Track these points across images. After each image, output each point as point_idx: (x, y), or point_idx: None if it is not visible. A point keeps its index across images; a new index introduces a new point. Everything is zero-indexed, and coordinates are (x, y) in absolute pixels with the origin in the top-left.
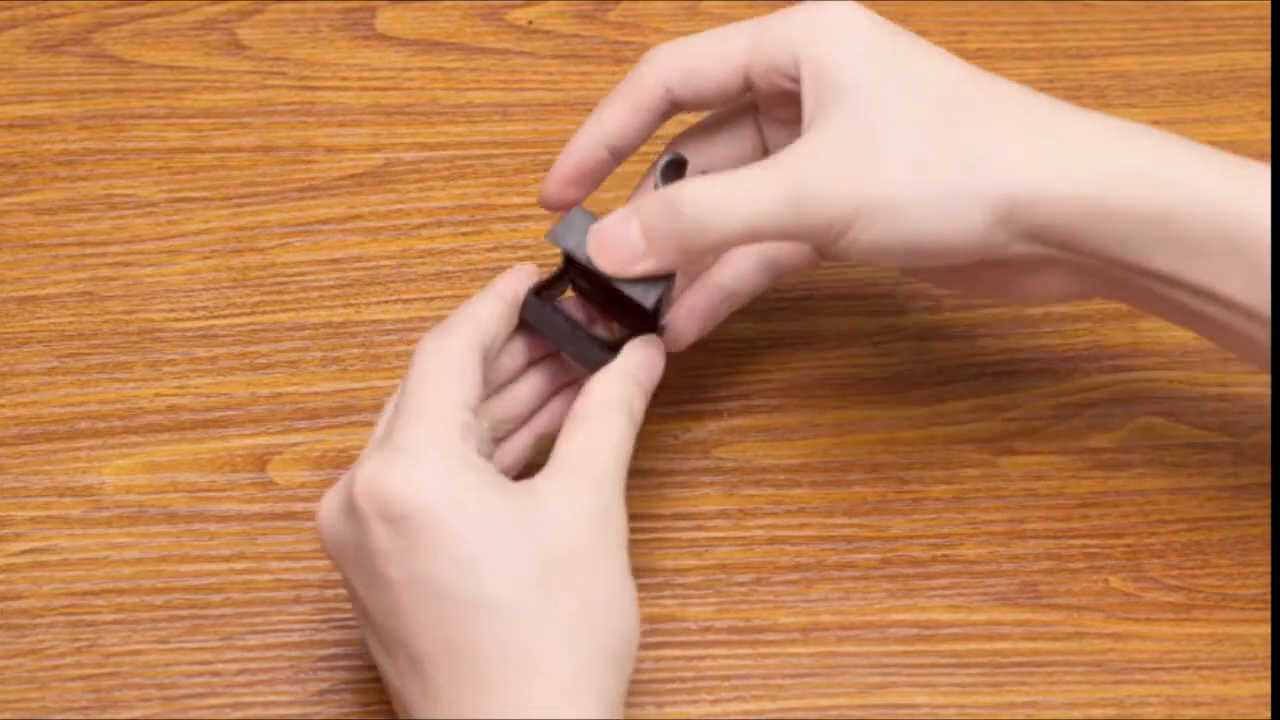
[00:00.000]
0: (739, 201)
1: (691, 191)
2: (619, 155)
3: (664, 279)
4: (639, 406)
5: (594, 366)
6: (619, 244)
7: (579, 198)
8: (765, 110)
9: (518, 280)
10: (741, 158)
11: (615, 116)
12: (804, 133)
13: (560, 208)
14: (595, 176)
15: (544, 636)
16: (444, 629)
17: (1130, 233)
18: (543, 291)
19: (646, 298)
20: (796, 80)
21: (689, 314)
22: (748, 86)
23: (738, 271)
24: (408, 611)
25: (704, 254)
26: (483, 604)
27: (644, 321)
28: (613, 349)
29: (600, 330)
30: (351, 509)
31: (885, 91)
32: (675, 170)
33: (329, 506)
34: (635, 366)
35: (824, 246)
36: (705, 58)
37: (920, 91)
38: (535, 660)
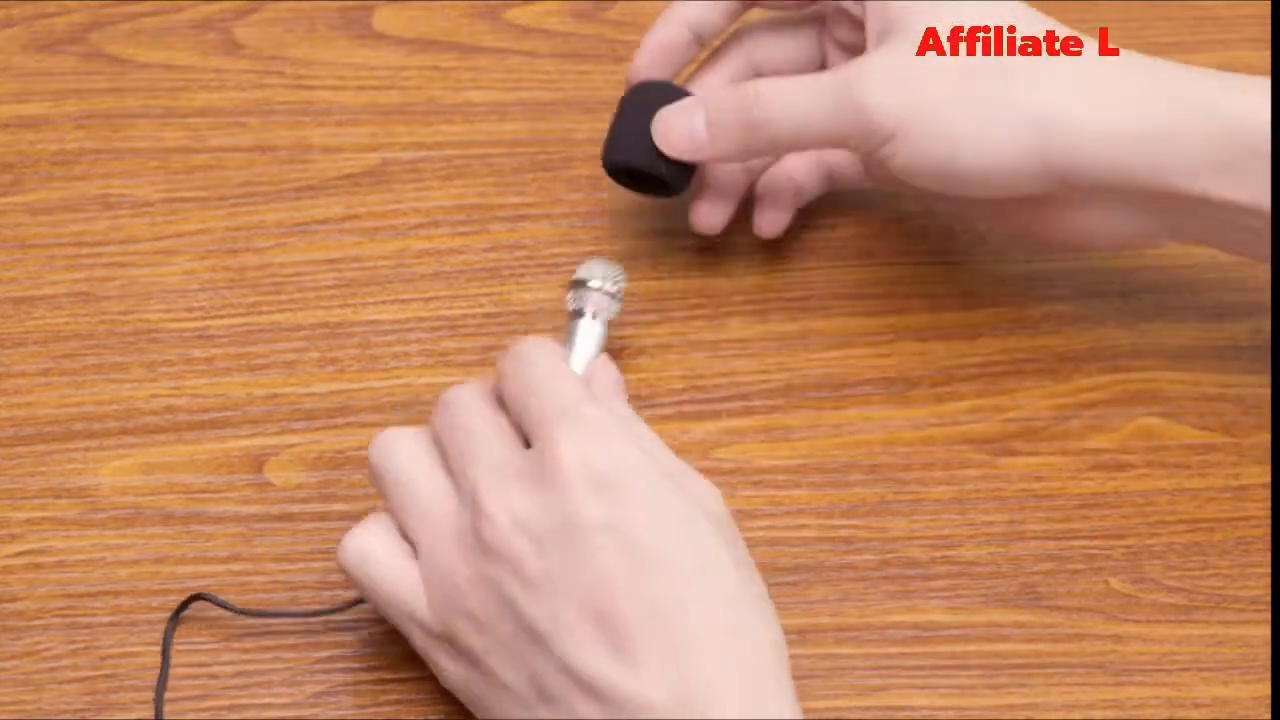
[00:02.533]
0: (796, 100)
1: (755, 87)
2: (700, 37)
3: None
4: (633, 412)
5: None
6: (683, 131)
7: (663, 75)
8: (831, 28)
9: None
10: (799, 66)
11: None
12: (866, 53)
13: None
14: (679, 56)
15: (745, 607)
16: (660, 596)
17: (1172, 156)
18: None
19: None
20: (861, 15)
21: (773, 201)
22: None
23: (800, 168)
24: (621, 582)
25: (760, 151)
26: (698, 572)
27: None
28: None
29: None
30: (551, 484)
31: (940, 23)
32: (646, 91)
33: (507, 498)
34: (610, 382)
35: (868, 159)
36: None
37: (972, 22)
38: (741, 629)
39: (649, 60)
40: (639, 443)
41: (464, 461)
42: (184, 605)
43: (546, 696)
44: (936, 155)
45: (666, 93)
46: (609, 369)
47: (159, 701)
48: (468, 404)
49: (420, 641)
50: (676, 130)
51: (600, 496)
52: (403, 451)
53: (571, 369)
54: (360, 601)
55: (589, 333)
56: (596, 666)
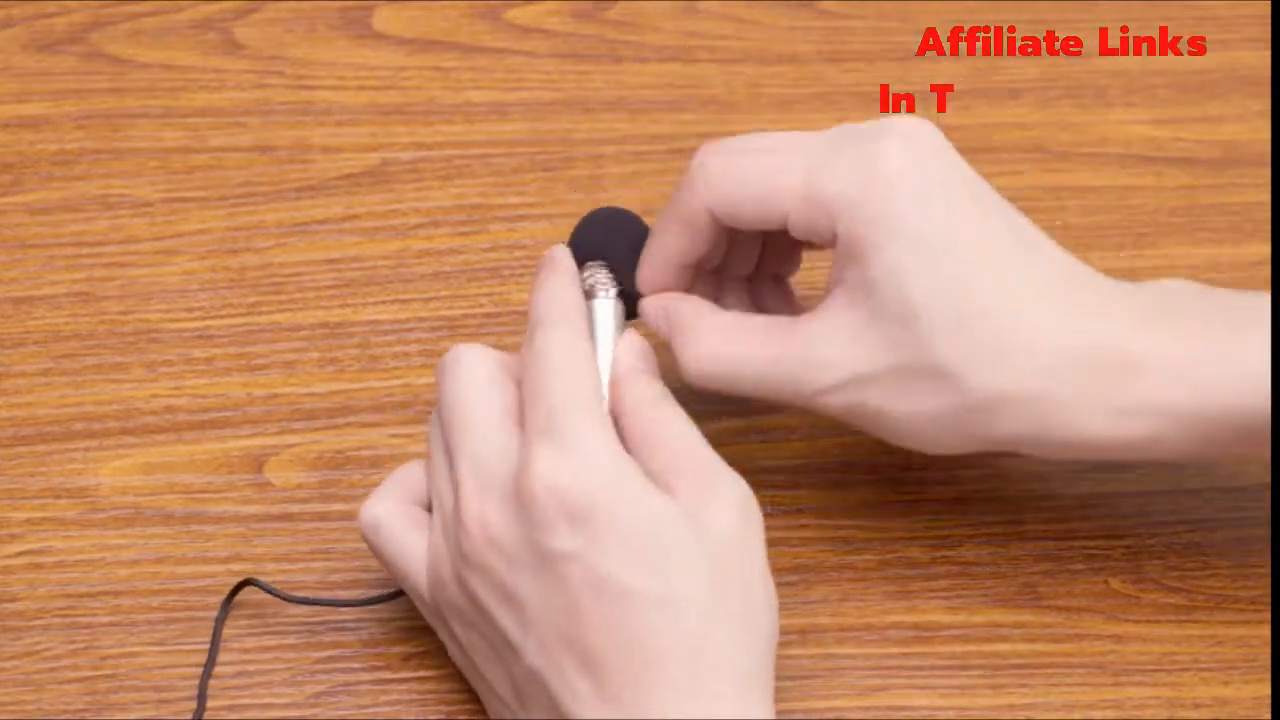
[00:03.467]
0: (747, 373)
1: (709, 345)
2: (698, 264)
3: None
4: (665, 389)
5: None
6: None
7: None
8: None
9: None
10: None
11: (674, 239)
12: (825, 298)
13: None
14: (685, 286)
15: (719, 631)
16: (625, 627)
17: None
18: None
19: None
20: (830, 242)
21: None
22: (787, 226)
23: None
24: (586, 610)
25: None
26: (664, 600)
27: None
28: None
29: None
30: (521, 509)
31: (899, 303)
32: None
33: (482, 510)
34: (636, 359)
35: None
36: (749, 198)
37: (932, 307)
38: (714, 655)
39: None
40: (626, 469)
41: (456, 445)
42: (235, 591)
43: (523, 699)
44: (875, 430)
45: (623, 220)
46: (634, 343)
47: (203, 688)
48: (471, 372)
49: (426, 615)
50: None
51: (569, 525)
52: (434, 428)
53: (589, 363)
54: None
55: (605, 313)
56: (568, 691)
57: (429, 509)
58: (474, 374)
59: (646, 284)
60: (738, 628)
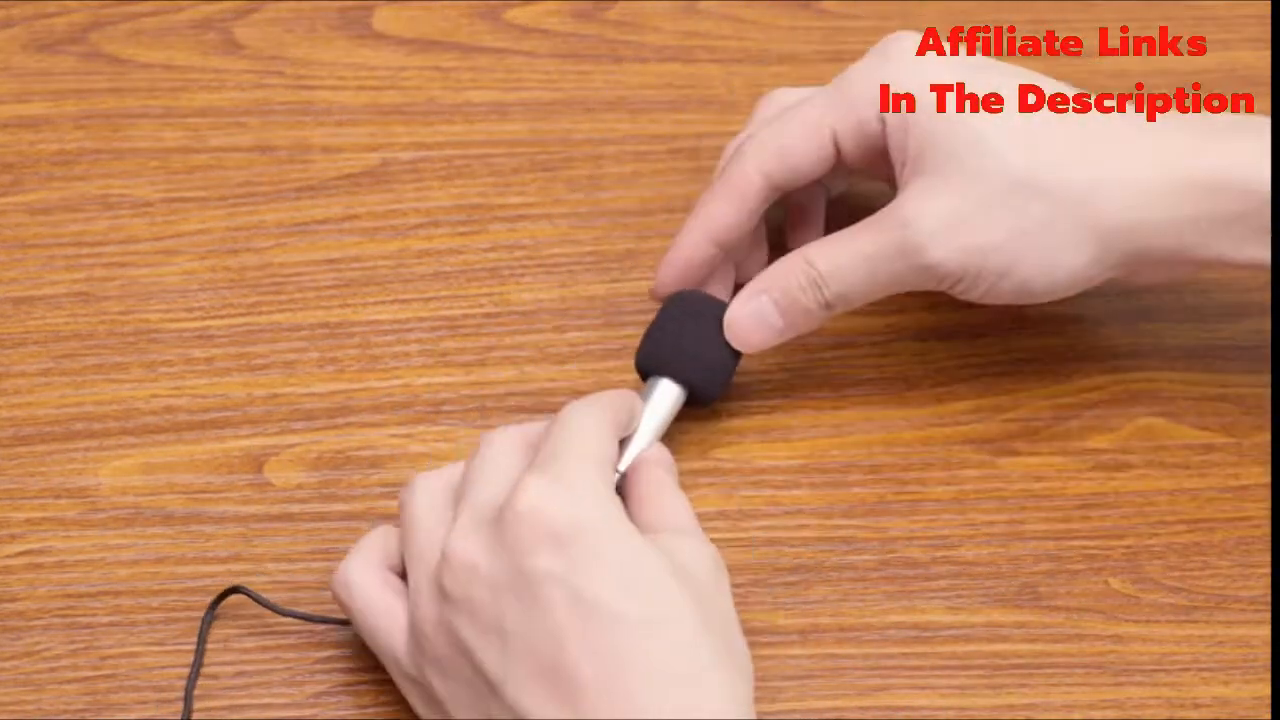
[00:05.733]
0: (860, 273)
1: (813, 267)
2: (726, 248)
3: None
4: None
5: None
6: (759, 327)
7: (688, 286)
8: (861, 171)
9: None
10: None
11: (720, 211)
12: (902, 187)
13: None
14: (704, 270)
15: (706, 653)
16: (613, 650)
17: (1224, 235)
18: None
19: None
20: (882, 135)
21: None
22: (839, 152)
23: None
24: (572, 635)
25: (833, 314)
26: (653, 622)
27: None
28: None
29: None
30: (506, 534)
31: (968, 150)
32: (684, 302)
33: (465, 538)
34: (663, 457)
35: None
36: (793, 135)
37: (1001, 145)
38: (705, 676)
39: (676, 277)
40: (613, 504)
41: (462, 499)
42: (220, 598)
43: None
44: (1009, 289)
45: (704, 304)
46: (664, 451)
47: (189, 695)
48: (495, 441)
49: (397, 679)
50: (755, 331)
51: (551, 545)
52: (422, 492)
53: (609, 433)
54: None
55: (665, 394)
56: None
57: (402, 575)
58: (502, 442)
59: (675, 262)
60: (725, 658)
